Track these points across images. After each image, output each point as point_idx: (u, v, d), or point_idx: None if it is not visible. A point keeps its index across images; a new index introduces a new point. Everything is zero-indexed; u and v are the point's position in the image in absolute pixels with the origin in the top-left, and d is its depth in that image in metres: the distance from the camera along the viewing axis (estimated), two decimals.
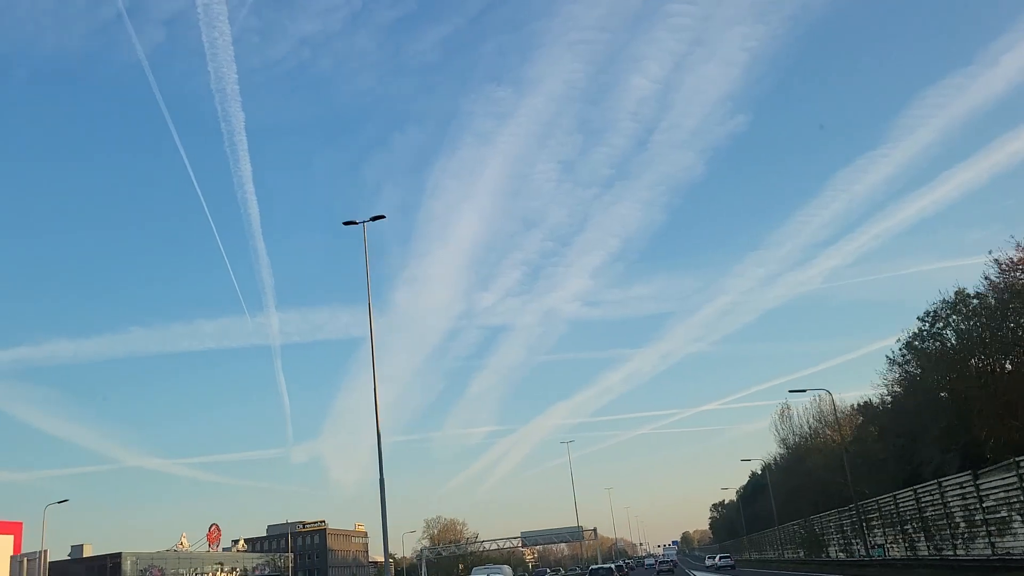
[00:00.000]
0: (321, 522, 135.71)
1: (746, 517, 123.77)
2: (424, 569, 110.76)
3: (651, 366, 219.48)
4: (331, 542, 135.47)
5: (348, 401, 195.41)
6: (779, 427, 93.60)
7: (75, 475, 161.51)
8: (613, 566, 72.18)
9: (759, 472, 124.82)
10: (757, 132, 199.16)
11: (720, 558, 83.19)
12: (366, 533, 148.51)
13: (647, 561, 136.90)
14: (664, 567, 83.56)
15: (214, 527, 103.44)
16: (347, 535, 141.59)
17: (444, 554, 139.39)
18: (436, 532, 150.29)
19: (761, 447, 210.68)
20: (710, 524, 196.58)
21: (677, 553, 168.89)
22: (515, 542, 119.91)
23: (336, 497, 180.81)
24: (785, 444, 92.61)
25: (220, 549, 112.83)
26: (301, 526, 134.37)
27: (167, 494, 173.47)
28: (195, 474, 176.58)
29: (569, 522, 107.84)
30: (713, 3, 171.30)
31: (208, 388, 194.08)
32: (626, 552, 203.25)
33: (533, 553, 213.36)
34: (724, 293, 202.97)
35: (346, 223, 32.73)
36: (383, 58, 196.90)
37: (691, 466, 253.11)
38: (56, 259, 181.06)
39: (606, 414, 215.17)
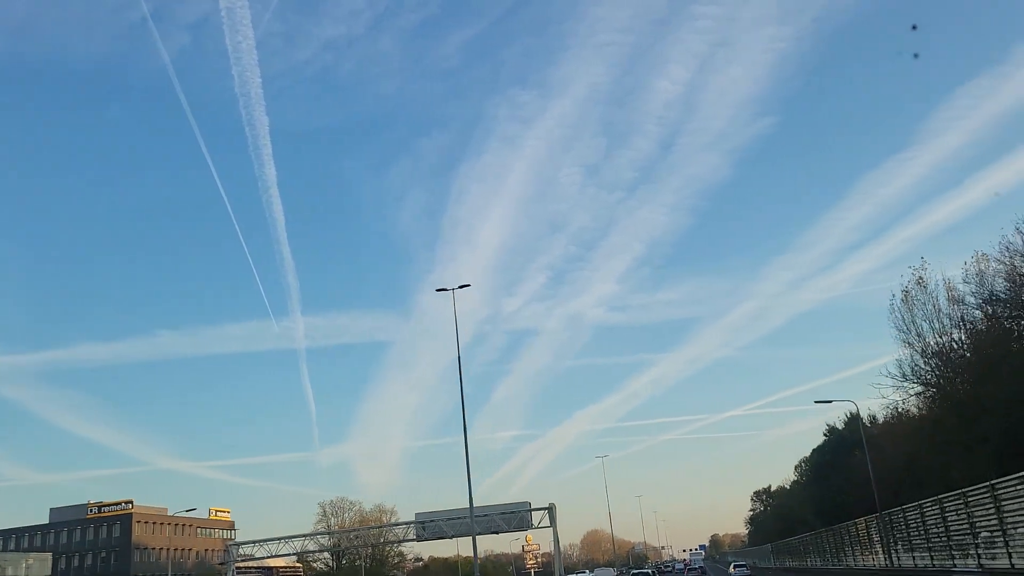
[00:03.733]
0: (127, 503, 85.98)
1: (819, 500, 74.08)
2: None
3: (678, 371, 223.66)
4: (144, 533, 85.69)
5: (374, 405, 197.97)
6: (907, 317, 42.52)
7: (105, 477, 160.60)
8: (650, 570, 71.71)
9: (841, 427, 76.62)
10: (784, 134, 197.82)
11: (735, 567, 75.34)
12: (232, 523, 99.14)
13: (676, 566, 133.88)
14: (692, 574, 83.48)
15: None
16: (186, 524, 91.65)
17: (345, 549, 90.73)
18: (343, 521, 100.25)
19: (791, 454, 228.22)
20: (749, 520, 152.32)
21: (704, 559, 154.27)
22: (401, 531, 71.05)
23: (364, 498, 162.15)
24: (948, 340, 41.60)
25: None
26: (96, 509, 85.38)
27: (198, 497, 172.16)
28: (225, 477, 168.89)
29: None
30: (738, 4, 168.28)
31: (235, 391, 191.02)
32: (646, 557, 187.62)
33: (536, 560, 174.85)
34: (752, 298, 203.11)
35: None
36: (407, 62, 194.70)
37: (719, 471, 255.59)
38: (85, 263, 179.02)
39: (633, 419, 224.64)
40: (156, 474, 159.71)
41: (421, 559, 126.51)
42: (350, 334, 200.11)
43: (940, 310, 40.87)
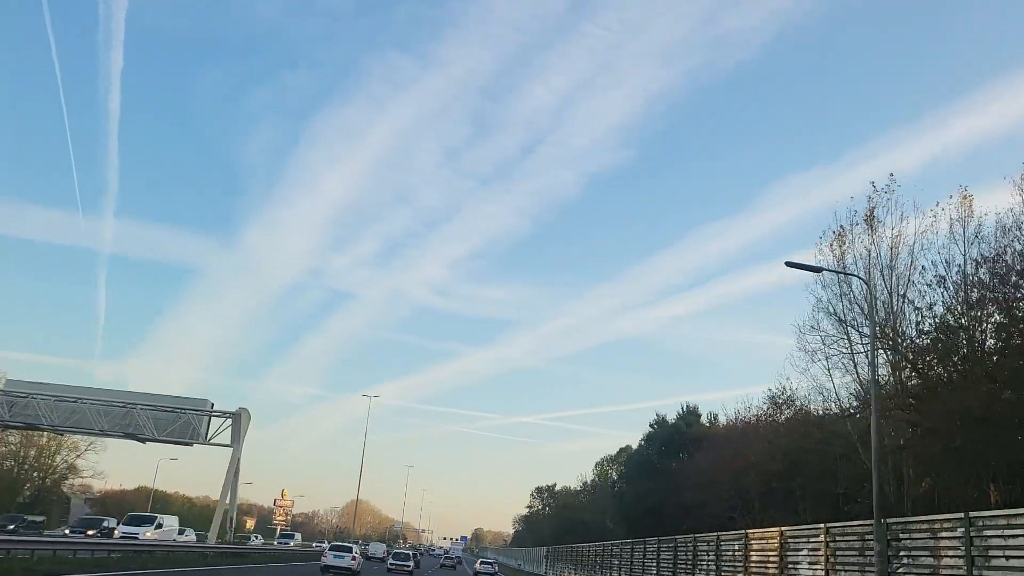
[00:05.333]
0: None
1: (629, 505, 60.48)
2: None
3: (484, 368, 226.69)
4: None
5: (170, 329, 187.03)
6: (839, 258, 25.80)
7: None
8: (412, 552, 66.26)
9: (669, 421, 63.00)
10: (637, 170, 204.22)
11: (481, 563, 72.20)
12: None
13: (436, 551, 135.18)
14: (448, 562, 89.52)
15: None
16: None
17: None
18: None
19: (574, 467, 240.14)
20: (523, 519, 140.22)
21: (463, 551, 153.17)
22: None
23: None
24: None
25: None
26: None
27: None
28: None
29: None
30: (628, 36, 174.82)
31: (20, 279, 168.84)
32: (403, 536, 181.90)
33: (286, 517, 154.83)
34: (569, 315, 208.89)
35: None
36: None
37: (500, 471, 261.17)
38: None
39: (430, 404, 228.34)
40: None
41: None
42: (162, 251, 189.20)
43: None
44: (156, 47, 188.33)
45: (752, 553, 22.89)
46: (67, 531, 40.13)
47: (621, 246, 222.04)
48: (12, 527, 38.64)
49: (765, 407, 41.00)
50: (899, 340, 26.28)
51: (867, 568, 16.35)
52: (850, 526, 17.79)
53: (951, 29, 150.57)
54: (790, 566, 20.22)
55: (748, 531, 24.08)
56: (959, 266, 23.62)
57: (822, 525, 19.00)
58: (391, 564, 53.35)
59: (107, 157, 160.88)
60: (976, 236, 23.25)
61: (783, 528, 21.43)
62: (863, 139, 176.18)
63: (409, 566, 52.19)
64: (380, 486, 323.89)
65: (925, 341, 24.20)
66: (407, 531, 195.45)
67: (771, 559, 21.42)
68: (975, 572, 12.95)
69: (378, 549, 78.69)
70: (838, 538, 18.10)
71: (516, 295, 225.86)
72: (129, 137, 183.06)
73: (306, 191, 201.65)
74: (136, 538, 35.63)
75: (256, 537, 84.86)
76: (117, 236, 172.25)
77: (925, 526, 14.96)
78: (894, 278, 27.35)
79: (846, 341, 28.24)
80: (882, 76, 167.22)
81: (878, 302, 26.72)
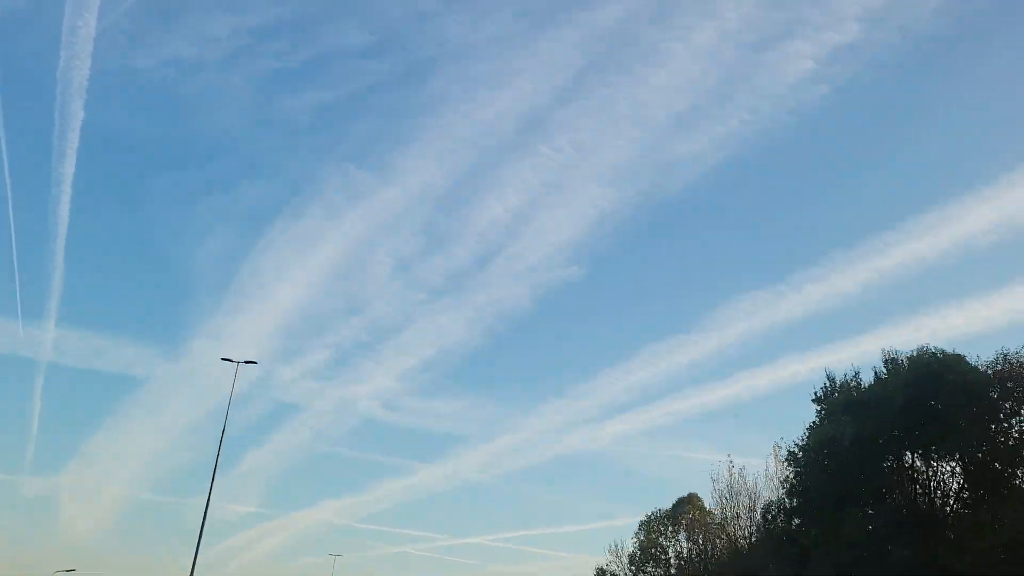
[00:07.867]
0: None
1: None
2: None
3: (431, 485, 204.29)
4: None
5: (106, 442, 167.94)
6: None
7: None
8: None
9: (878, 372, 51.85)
10: (587, 285, 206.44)
11: None
12: None
13: None
14: None
15: None
16: None
17: None
18: None
19: None
20: None
21: None
22: None
23: (63, 542, 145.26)
24: None
25: None
26: None
27: None
28: None
29: None
30: (580, 157, 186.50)
31: None
32: None
33: None
34: (519, 431, 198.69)
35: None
36: (254, 102, 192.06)
37: None
38: None
39: (374, 523, 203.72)
40: None
41: None
42: (104, 360, 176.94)
43: None
44: (110, 153, 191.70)
45: None
46: None
47: (571, 361, 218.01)
48: None
49: None
50: None
51: None
52: None
53: (893, 156, 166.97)
54: None
55: None
56: None
57: None
58: None
59: (53, 263, 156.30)
60: None
61: None
62: (808, 262, 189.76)
63: None
64: None
65: None
66: None
67: None
68: None
69: None
70: None
71: (467, 408, 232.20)
72: (77, 243, 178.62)
73: (256, 300, 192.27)
74: None
75: None
76: (57, 344, 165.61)
77: None
78: None
79: None
80: (825, 200, 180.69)
81: None
